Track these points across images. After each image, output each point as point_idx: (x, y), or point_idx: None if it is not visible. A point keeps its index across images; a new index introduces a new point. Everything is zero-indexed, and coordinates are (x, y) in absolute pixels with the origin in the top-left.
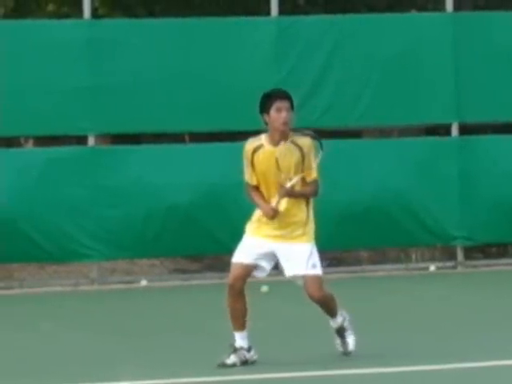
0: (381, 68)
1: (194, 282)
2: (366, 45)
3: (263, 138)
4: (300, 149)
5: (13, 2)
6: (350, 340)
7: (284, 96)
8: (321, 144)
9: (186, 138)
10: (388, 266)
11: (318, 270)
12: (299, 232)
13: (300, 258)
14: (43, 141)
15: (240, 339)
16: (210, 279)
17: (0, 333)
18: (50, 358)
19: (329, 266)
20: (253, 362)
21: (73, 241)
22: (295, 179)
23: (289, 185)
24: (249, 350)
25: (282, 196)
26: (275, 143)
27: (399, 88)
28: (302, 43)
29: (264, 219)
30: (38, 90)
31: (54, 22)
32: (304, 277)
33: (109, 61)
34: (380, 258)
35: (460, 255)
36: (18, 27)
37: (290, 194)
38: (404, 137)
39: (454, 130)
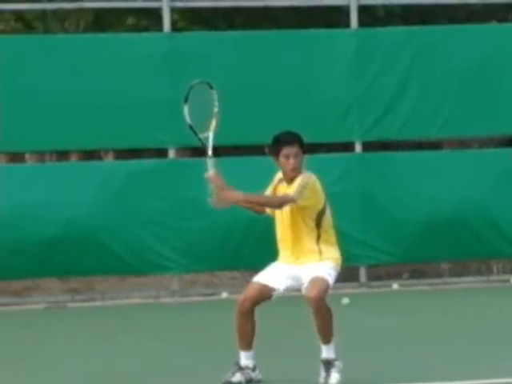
0: (461, 79)
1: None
2: (445, 56)
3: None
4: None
5: (92, 16)
6: (335, 376)
7: (291, 141)
8: None
9: (266, 149)
10: (469, 279)
11: (329, 279)
12: (315, 259)
13: (319, 267)
14: (123, 154)
15: (245, 358)
16: (290, 292)
17: (82, 344)
18: (132, 369)
19: (410, 278)
20: (258, 382)
21: (154, 253)
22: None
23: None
24: (254, 369)
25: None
26: (288, 182)
27: (479, 99)
28: (382, 55)
29: (281, 246)
30: (118, 103)
31: (134, 35)
32: (314, 278)
33: (188, 74)
34: (461, 271)
35: None
36: (97, 41)
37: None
38: (485, 148)
39: None
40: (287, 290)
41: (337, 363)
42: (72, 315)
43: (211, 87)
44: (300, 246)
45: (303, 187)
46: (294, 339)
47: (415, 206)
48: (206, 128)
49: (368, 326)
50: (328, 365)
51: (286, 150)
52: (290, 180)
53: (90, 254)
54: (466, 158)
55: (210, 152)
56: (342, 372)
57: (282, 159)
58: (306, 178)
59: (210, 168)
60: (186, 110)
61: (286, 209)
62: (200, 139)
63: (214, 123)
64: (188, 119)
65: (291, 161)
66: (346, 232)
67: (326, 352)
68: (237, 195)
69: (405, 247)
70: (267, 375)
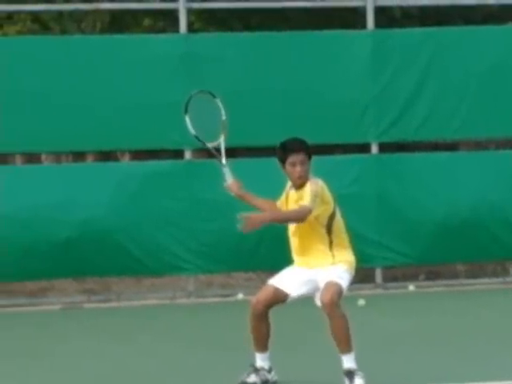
0: (477, 80)
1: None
2: (462, 57)
3: None
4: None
5: (109, 17)
6: (360, 382)
7: (298, 148)
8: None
9: None
10: (485, 280)
11: (342, 283)
12: (328, 262)
13: (332, 271)
14: (140, 155)
15: (260, 360)
16: (303, 297)
17: (98, 345)
18: (147, 370)
19: (426, 279)
20: (274, 383)
21: (170, 254)
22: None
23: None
24: (269, 370)
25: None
26: (296, 188)
27: (496, 100)
28: (398, 56)
29: (294, 253)
30: (134, 104)
31: (150, 36)
32: (327, 282)
33: (204, 75)
34: (477, 272)
35: None
36: (114, 42)
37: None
38: (501, 149)
39: None
40: (300, 296)
41: (359, 372)
42: (88, 316)
43: (214, 96)
44: (311, 253)
45: (315, 196)
46: (308, 340)
47: (431, 207)
48: (216, 137)
49: (384, 326)
50: (350, 374)
51: (292, 158)
52: (298, 186)
53: (106, 254)
54: (483, 159)
55: (224, 161)
56: (364, 378)
57: (288, 167)
58: (315, 185)
59: (228, 177)
60: (187, 120)
61: None
62: (209, 149)
63: (223, 132)
64: (191, 130)
65: (298, 168)
66: (362, 233)
67: (347, 362)
68: (263, 217)
69: (421, 248)
70: (282, 376)
